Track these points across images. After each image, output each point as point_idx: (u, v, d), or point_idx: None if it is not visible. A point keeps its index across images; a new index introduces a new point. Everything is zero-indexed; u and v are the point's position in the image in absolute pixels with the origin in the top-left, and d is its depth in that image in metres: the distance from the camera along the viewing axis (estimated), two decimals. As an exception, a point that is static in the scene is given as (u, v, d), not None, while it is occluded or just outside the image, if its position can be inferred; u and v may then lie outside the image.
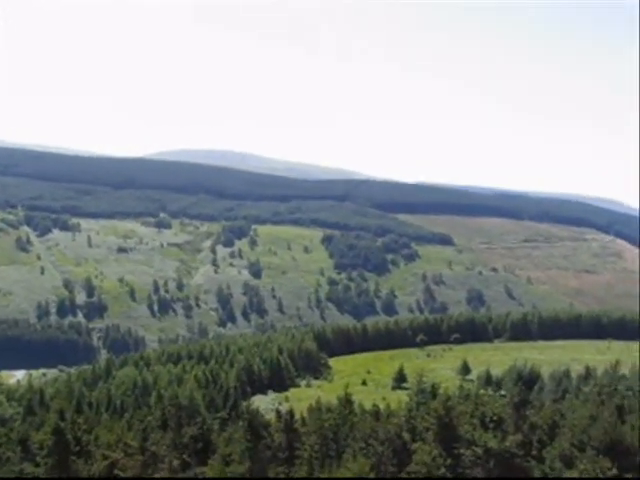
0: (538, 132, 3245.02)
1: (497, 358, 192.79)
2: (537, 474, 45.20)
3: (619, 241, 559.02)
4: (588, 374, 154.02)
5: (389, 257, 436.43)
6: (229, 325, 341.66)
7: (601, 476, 38.65)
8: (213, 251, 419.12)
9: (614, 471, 39.16)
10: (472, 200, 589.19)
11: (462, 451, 46.68)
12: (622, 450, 44.25)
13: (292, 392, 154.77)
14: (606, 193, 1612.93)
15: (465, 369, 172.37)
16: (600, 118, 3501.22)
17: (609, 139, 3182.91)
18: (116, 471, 50.89)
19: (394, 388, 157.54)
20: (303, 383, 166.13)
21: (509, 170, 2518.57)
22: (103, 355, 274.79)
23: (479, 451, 45.60)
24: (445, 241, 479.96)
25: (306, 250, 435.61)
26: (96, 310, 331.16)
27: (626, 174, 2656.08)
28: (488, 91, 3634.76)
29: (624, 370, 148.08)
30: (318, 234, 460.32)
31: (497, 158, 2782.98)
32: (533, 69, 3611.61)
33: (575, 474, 39.12)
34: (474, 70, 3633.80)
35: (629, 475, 42.51)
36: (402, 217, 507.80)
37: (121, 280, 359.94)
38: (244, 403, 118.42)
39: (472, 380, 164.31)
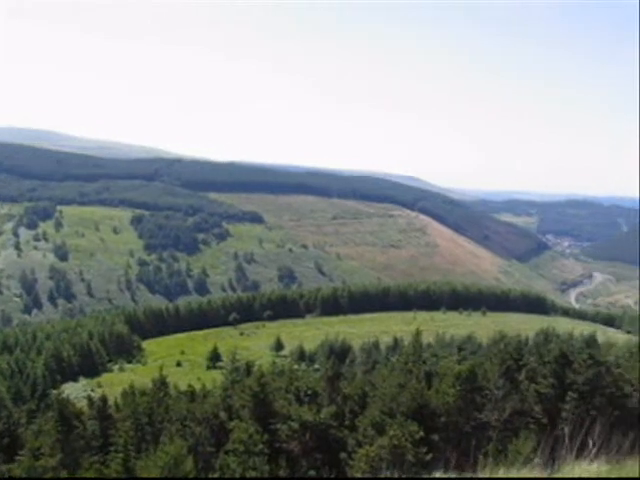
0: (346, 113, 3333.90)
1: (309, 333, 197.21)
2: (351, 442, 46.65)
3: (423, 217, 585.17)
4: (396, 344, 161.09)
5: (200, 236, 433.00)
6: (35, 311, 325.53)
7: (409, 439, 40.39)
8: (15, 234, 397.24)
9: (421, 433, 41.05)
10: (282, 178, 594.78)
11: (279, 426, 47.35)
12: (428, 413, 46.58)
13: (104, 377, 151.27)
14: (410, 171, 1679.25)
15: (279, 345, 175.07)
16: (404, 102, 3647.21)
17: (410, 121, 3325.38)
18: None
19: (209, 368, 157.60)
20: (116, 367, 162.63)
21: (318, 149, 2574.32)
22: None
23: (295, 425, 46.41)
24: (255, 219, 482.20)
25: (115, 231, 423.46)
26: None
27: (428, 153, 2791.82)
28: (298, 73, 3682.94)
29: (429, 338, 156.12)
30: (127, 214, 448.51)
31: (306, 137, 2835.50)
32: (341, 55, 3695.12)
33: (386, 439, 40.66)
34: (286, 54, 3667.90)
35: (435, 436, 44.88)
36: (212, 196, 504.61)
37: None
38: (54, 392, 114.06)
39: (286, 356, 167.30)
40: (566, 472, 7.32)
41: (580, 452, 8.16)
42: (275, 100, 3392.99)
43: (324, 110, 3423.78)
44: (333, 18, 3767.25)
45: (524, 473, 7.47)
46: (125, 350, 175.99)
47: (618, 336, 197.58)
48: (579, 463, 7.69)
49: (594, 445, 8.12)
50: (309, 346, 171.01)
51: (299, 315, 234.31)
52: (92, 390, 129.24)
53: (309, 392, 51.81)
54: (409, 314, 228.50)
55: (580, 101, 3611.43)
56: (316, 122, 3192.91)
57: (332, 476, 42.55)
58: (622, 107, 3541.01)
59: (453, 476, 9.07)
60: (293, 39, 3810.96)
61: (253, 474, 41.65)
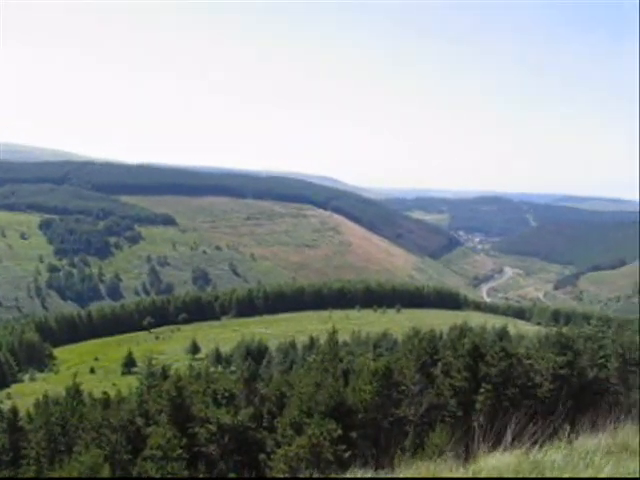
0: (259, 113, 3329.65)
1: (225, 335, 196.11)
2: (270, 443, 46.63)
3: (336, 216, 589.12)
4: (312, 344, 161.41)
5: (112, 240, 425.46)
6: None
7: (328, 437, 40.62)
8: None
9: (339, 431, 41.33)
10: (194, 180, 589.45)
11: (197, 429, 47.01)
12: (346, 411, 46.92)
13: (15, 388, 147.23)
14: (324, 171, 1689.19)
15: (194, 348, 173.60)
16: (318, 102, 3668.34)
17: (324, 120, 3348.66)
18: None
19: (124, 373, 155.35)
20: (26, 377, 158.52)
21: (231, 150, 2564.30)
22: None
23: (213, 428, 46.16)
24: (168, 221, 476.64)
25: (23, 236, 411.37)
26: None
27: (342, 152, 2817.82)
28: (213, 73, 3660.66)
29: (345, 337, 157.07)
30: (35, 219, 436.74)
31: (219, 138, 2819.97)
32: (255, 55, 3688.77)
33: (305, 439, 40.80)
34: (195, 55, 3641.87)
35: (353, 433, 45.24)
36: (124, 199, 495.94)
37: None
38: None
39: (202, 359, 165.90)
40: (480, 463, 7.48)
41: (494, 442, 8.34)
42: (187, 100, 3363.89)
43: (237, 110, 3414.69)
44: (245, 19, 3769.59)
45: (440, 469, 7.60)
46: (36, 359, 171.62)
47: (528, 328, 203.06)
48: (493, 454, 7.85)
49: (507, 435, 8.32)
50: (225, 348, 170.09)
51: (214, 317, 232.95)
52: (1, 402, 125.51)
53: (226, 394, 51.60)
54: (324, 313, 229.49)
55: (488, 100, 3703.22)
56: (229, 122, 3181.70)
57: (253, 476, 42.48)
58: (527, 105, 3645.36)
59: (369, 475, 9.13)
60: (199, 38, 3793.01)
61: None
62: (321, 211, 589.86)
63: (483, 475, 6.87)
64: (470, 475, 7.02)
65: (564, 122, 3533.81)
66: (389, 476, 9.21)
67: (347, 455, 39.25)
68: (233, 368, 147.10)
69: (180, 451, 43.19)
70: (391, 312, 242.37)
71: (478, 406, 47.59)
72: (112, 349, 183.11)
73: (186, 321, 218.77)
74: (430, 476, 7.33)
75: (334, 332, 72.01)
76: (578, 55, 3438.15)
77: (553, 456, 7.35)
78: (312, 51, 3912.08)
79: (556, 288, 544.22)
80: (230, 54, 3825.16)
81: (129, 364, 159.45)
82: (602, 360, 56.47)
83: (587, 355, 57.12)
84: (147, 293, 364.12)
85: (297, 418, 46.15)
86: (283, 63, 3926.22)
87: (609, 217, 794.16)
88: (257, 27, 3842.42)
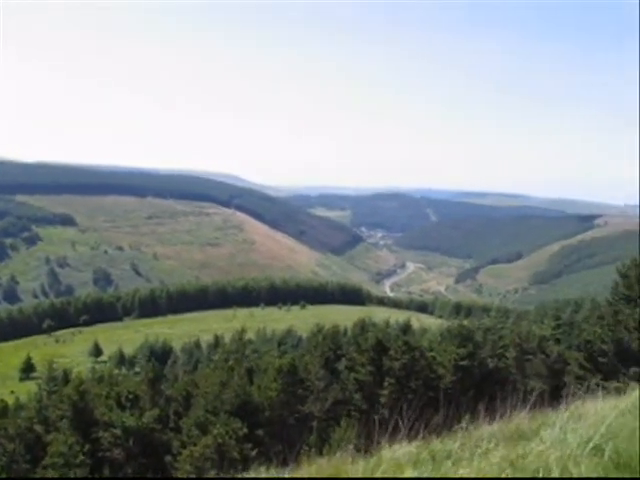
0: (160, 110, 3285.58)
1: (128, 336, 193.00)
2: (176, 444, 46.24)
3: (239, 214, 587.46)
4: (217, 343, 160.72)
5: (8, 241, 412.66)
6: None
7: (234, 436, 40.58)
8: None
9: (245, 430, 41.34)
10: (93, 178, 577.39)
11: (100, 434, 46.16)
12: (251, 409, 46.98)
13: None
14: (227, 169, 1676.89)
15: (97, 351, 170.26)
16: (220, 99, 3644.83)
17: (227, 119, 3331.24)
18: None
19: (22, 379, 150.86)
20: None
21: (131, 147, 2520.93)
22: None
23: (118, 432, 45.41)
24: (67, 221, 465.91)
25: None
26: None
27: (245, 150, 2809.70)
28: (102, 71, 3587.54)
29: (250, 334, 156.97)
30: None
31: (118, 135, 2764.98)
32: (160, 55, 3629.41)
33: (210, 438, 40.65)
34: (97, 52, 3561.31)
35: (259, 431, 45.33)
36: (20, 198, 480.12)
37: None
38: None
39: (105, 361, 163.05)
40: (381, 455, 7.66)
41: (396, 434, 8.56)
42: (86, 97, 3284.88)
43: (138, 107, 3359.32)
44: (147, 18, 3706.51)
45: (342, 462, 7.75)
46: None
47: (431, 322, 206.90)
48: (394, 445, 8.05)
49: (406, 427, 8.54)
50: (129, 350, 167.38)
51: (117, 318, 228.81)
52: None
53: (130, 397, 50.80)
54: (229, 311, 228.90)
55: (389, 97, 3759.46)
56: (129, 120, 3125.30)
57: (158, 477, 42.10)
58: (427, 102, 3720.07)
59: (272, 474, 9.22)
60: (94, 33, 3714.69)
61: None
62: (224, 209, 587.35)
63: (383, 466, 7.05)
64: (371, 466, 7.19)
65: (464, 119, 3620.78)
66: (287, 476, 9.32)
67: (253, 453, 39.29)
68: (137, 369, 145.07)
69: (83, 457, 42.35)
70: (295, 309, 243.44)
71: (382, 399, 48.32)
72: (9, 354, 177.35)
73: (87, 323, 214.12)
74: (331, 470, 7.47)
75: (243, 331, 72.06)
76: (478, 52, 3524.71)
77: (450, 445, 7.64)
78: (215, 49, 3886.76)
79: (457, 282, 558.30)
80: (131, 50, 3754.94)
81: (28, 369, 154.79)
82: (501, 350, 58.24)
83: (487, 346, 58.85)
84: (46, 295, 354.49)
85: (202, 418, 45.93)
86: (185, 61, 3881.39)
87: (506, 212, 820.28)
88: (159, 27, 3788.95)
